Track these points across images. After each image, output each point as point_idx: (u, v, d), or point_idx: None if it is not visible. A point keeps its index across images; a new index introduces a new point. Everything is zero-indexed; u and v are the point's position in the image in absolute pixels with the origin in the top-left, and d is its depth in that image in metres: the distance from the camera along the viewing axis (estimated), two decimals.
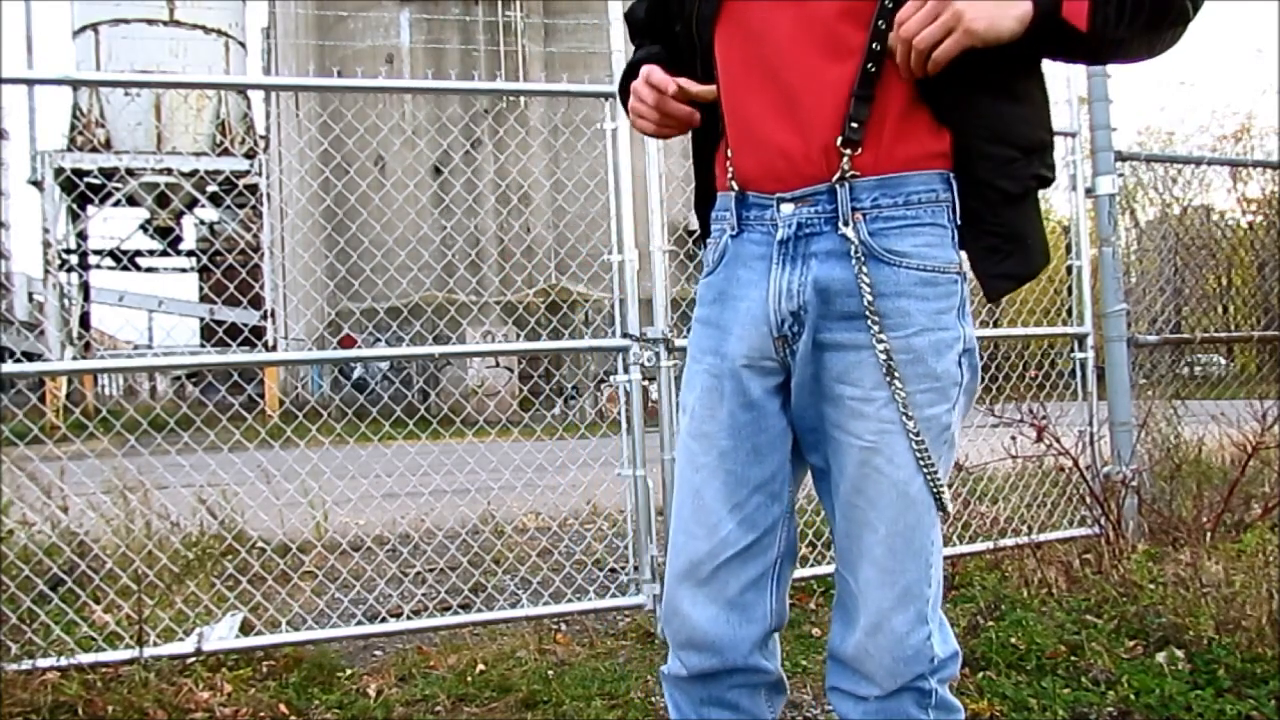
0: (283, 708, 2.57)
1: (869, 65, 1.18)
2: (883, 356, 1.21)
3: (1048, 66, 1.37)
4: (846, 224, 1.22)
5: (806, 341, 1.27)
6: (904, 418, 1.22)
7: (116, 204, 21.76)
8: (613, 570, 3.90)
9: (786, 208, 1.26)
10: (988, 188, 1.22)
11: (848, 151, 1.20)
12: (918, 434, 1.22)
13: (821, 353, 1.27)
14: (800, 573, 3.57)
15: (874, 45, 1.18)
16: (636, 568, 3.22)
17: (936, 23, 1.12)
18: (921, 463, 1.23)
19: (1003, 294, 1.25)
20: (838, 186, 1.22)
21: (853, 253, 1.21)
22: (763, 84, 1.26)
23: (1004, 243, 1.23)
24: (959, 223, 1.25)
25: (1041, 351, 7.32)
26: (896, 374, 1.21)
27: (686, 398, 1.42)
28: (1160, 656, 2.60)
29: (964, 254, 1.26)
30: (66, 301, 20.82)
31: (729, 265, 1.35)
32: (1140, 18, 1.15)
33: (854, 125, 1.19)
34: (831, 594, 3.68)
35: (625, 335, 3.20)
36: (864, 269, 1.21)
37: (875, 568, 1.26)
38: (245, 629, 3.11)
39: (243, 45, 23.01)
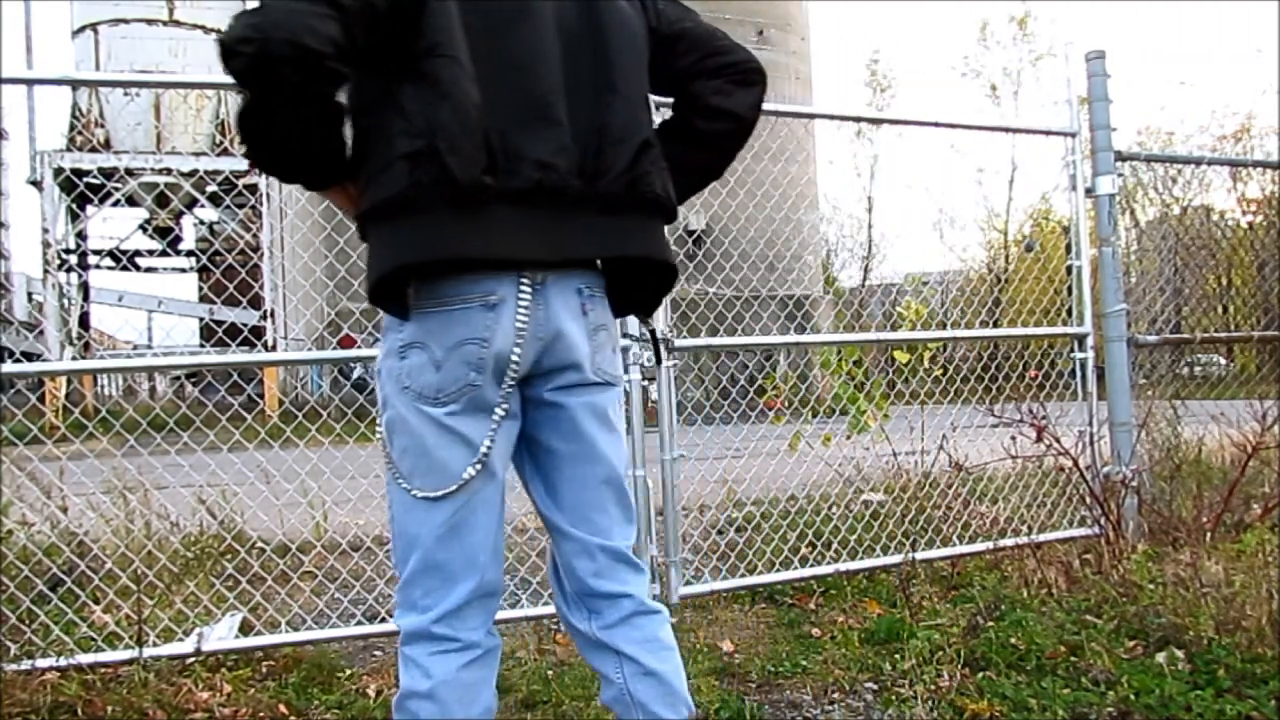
0: (282, 708, 2.57)
1: None
2: None
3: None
4: None
5: None
6: None
7: (116, 204, 21.72)
8: None
9: None
10: None
11: None
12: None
13: None
14: (800, 573, 3.57)
15: None
16: None
17: None
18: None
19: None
20: None
21: None
22: None
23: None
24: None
25: (1041, 351, 7.32)
26: None
27: None
28: (1160, 657, 2.60)
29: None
30: (66, 301, 20.79)
31: None
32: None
33: None
34: (830, 594, 3.68)
35: (625, 335, 3.19)
36: None
37: None
38: (245, 629, 3.11)
39: None
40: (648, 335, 2.22)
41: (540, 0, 1.48)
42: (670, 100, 1.69)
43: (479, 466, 1.45)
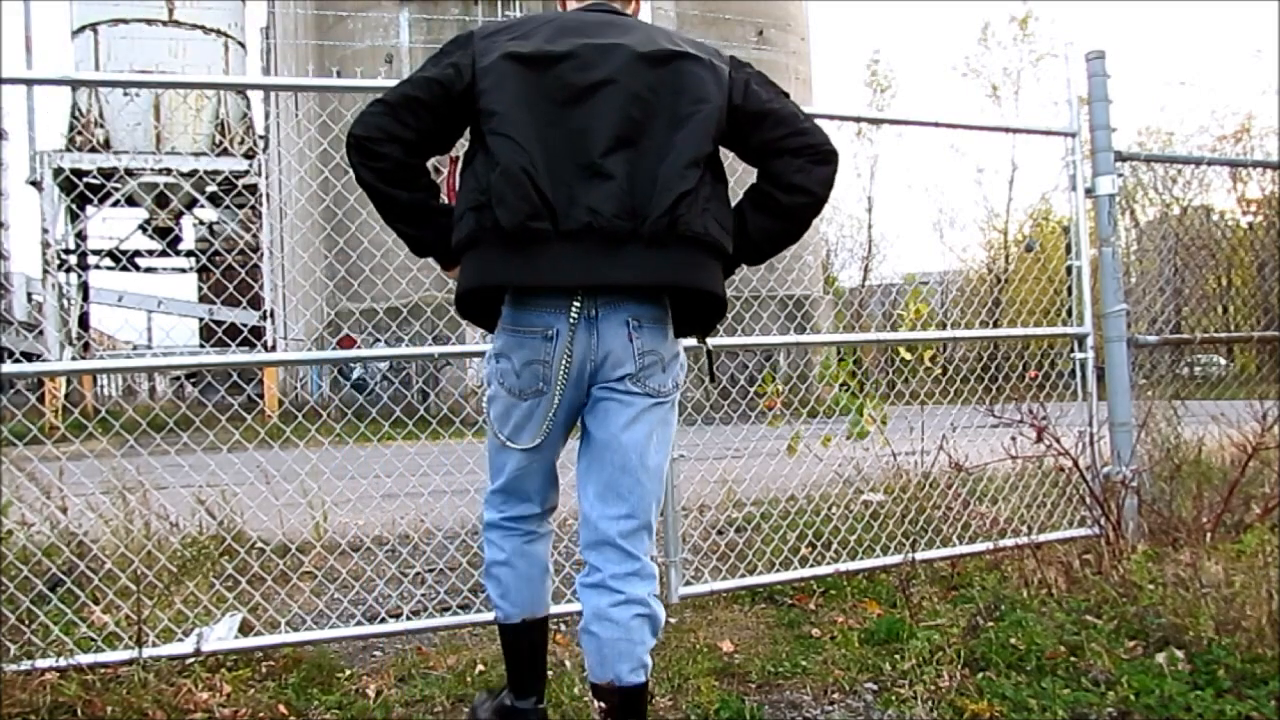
0: (282, 708, 2.57)
1: None
2: None
3: None
4: None
5: None
6: None
7: (116, 204, 21.72)
8: None
9: None
10: None
11: None
12: None
13: None
14: (800, 573, 3.57)
15: None
16: None
17: None
18: None
19: None
20: None
21: None
22: None
23: None
24: None
25: (1041, 352, 7.32)
26: None
27: None
28: (1160, 657, 2.59)
29: None
30: (65, 302, 20.78)
31: None
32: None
33: None
34: (830, 594, 3.67)
35: None
36: None
37: None
38: (244, 629, 3.11)
39: (242, 45, 22.97)
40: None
41: (618, 75, 1.84)
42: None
43: (540, 440, 1.96)
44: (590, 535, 1.95)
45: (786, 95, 1.99)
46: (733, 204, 1.99)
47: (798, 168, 1.90)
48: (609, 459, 1.92)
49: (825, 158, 1.91)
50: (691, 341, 3.42)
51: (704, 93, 1.86)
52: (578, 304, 1.84)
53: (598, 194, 1.79)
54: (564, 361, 1.87)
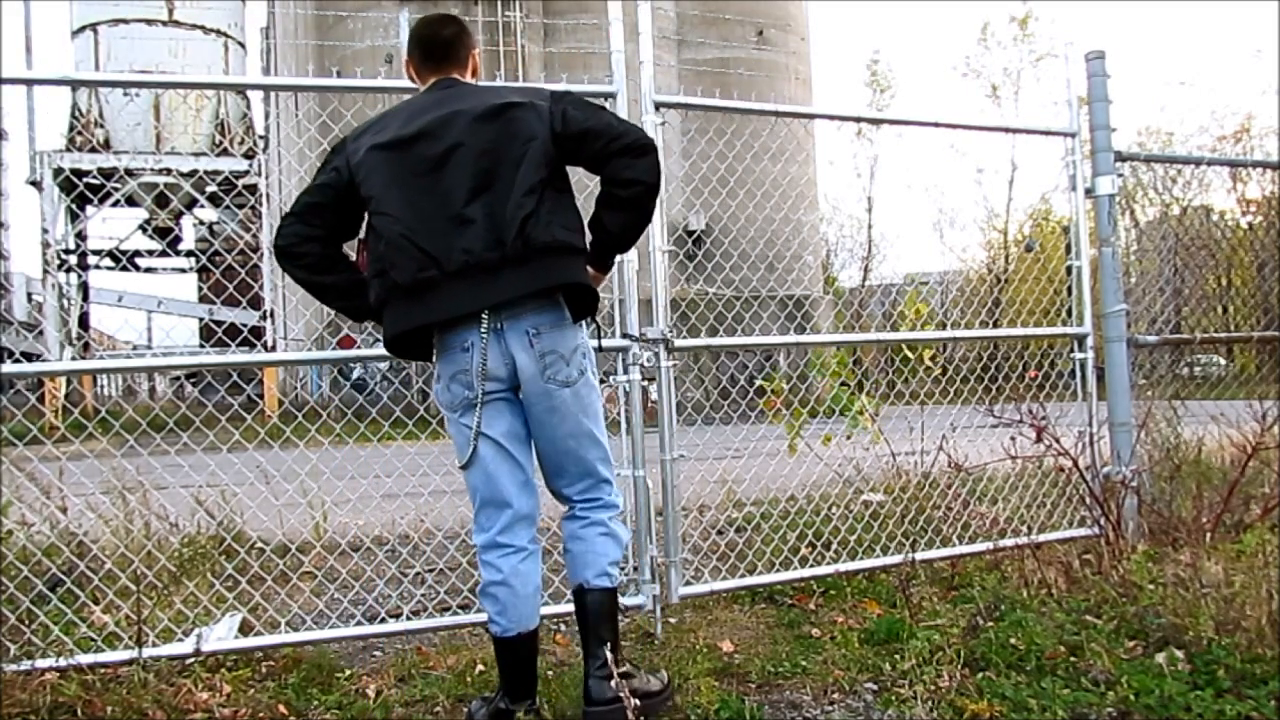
0: (282, 708, 2.57)
1: None
2: None
3: None
4: None
5: None
6: None
7: (115, 204, 21.70)
8: None
9: None
10: None
11: None
12: None
13: None
14: (800, 573, 3.57)
15: None
16: (636, 568, 3.22)
17: None
18: None
19: None
20: None
21: None
22: None
23: None
24: None
25: (1041, 352, 7.32)
26: None
27: None
28: (1160, 657, 2.60)
29: None
30: (65, 302, 20.77)
31: None
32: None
33: None
34: (830, 594, 3.67)
35: (625, 335, 3.19)
36: None
37: None
38: (244, 630, 3.11)
39: (242, 45, 22.94)
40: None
41: (463, 138, 2.22)
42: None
43: (474, 445, 2.29)
44: (558, 498, 2.47)
45: (602, 109, 2.36)
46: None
47: (624, 165, 2.24)
48: (546, 447, 2.37)
49: (642, 150, 2.25)
50: (692, 342, 3.55)
51: (531, 132, 2.24)
52: (485, 319, 2.21)
53: (467, 238, 2.18)
54: (481, 368, 2.23)
